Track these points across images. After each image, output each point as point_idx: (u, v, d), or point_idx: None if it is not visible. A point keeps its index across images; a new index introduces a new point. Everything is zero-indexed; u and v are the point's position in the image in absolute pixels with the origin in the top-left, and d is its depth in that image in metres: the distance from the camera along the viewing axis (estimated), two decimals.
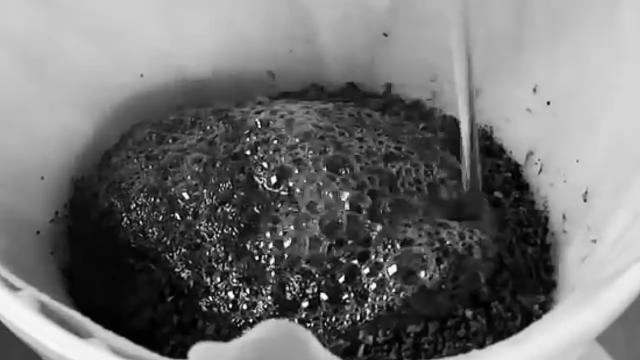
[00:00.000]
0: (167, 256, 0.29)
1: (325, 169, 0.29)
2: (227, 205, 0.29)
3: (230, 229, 0.29)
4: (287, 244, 0.28)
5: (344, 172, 0.29)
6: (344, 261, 0.27)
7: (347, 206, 0.28)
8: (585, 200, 0.29)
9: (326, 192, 0.29)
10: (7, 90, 0.30)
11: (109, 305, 0.28)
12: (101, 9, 0.34)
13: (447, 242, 0.27)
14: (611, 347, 0.35)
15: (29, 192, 0.30)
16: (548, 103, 0.33)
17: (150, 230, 0.29)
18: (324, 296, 0.27)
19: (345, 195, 0.28)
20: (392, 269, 0.27)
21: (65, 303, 0.22)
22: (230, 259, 0.28)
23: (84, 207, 0.32)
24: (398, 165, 0.30)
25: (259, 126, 0.31)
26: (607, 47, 0.29)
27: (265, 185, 0.29)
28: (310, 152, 0.30)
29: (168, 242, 0.29)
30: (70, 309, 0.21)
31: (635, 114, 0.27)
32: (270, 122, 0.32)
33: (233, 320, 0.27)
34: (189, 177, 0.30)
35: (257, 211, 0.29)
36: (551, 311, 0.24)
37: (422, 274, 0.26)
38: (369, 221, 0.28)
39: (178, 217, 0.29)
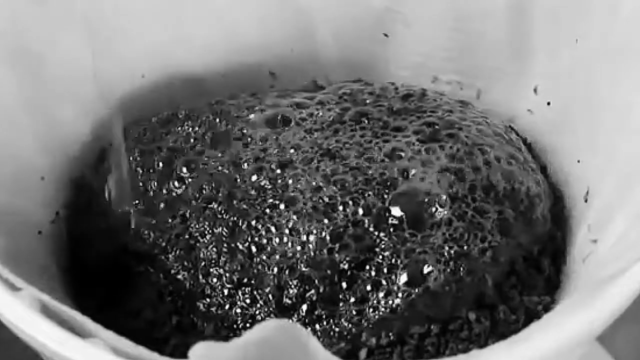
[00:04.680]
0: (163, 257, 0.29)
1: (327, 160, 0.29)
2: (213, 203, 0.29)
3: (220, 227, 0.28)
4: (283, 244, 0.27)
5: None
6: (345, 266, 0.27)
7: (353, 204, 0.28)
8: (586, 201, 0.29)
9: (328, 186, 0.28)
10: (6, 90, 0.30)
11: (109, 306, 0.28)
12: (100, 8, 0.34)
13: (464, 247, 0.27)
14: (611, 347, 0.35)
15: (29, 192, 0.30)
16: (548, 104, 0.33)
17: (146, 232, 0.29)
18: (324, 298, 0.27)
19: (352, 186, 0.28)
20: (404, 277, 0.26)
21: (65, 303, 0.22)
22: (223, 259, 0.28)
23: (82, 207, 0.32)
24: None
25: (250, 118, 0.31)
26: (607, 48, 0.29)
27: (252, 180, 0.29)
28: (310, 144, 0.30)
29: (164, 244, 0.29)
30: (70, 309, 0.21)
31: (636, 114, 0.27)
32: (256, 113, 0.32)
33: (231, 320, 0.27)
34: (180, 176, 0.30)
35: (245, 207, 0.29)
36: (551, 311, 0.24)
37: (428, 275, 0.26)
38: (376, 232, 0.27)
39: (171, 218, 0.29)
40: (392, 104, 0.32)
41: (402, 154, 0.29)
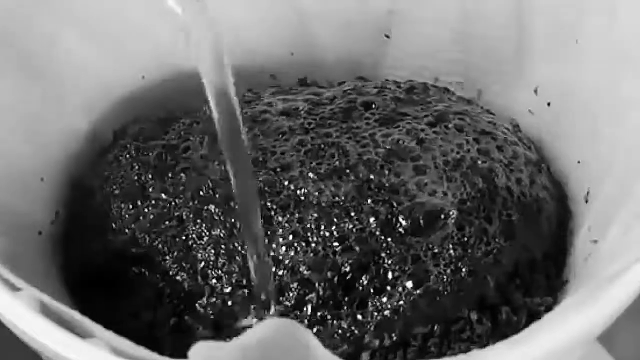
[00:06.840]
0: (161, 259, 0.29)
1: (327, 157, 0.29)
2: (210, 205, 0.29)
3: (218, 230, 0.28)
4: (281, 246, 0.27)
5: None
6: (347, 268, 0.27)
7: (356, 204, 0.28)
8: (586, 201, 0.29)
9: (328, 185, 0.28)
10: (6, 90, 0.30)
11: (108, 306, 0.28)
12: (101, 8, 0.34)
13: (467, 249, 0.27)
14: (611, 347, 0.35)
15: (29, 192, 0.30)
16: (548, 104, 0.33)
17: (141, 235, 0.29)
18: (326, 300, 0.27)
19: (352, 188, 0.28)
20: (406, 278, 0.26)
21: (65, 303, 0.22)
22: (222, 261, 0.28)
23: (81, 208, 0.31)
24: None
25: (247, 114, 0.31)
26: (607, 48, 0.29)
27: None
28: (316, 140, 0.30)
29: (160, 246, 0.29)
30: (70, 308, 0.21)
31: (635, 114, 0.27)
32: (256, 107, 0.32)
33: (231, 321, 0.27)
34: (178, 176, 0.30)
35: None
36: (552, 311, 0.24)
37: (430, 276, 0.26)
38: (378, 234, 0.27)
39: (168, 220, 0.29)
40: (398, 95, 0.32)
41: (408, 150, 0.29)
